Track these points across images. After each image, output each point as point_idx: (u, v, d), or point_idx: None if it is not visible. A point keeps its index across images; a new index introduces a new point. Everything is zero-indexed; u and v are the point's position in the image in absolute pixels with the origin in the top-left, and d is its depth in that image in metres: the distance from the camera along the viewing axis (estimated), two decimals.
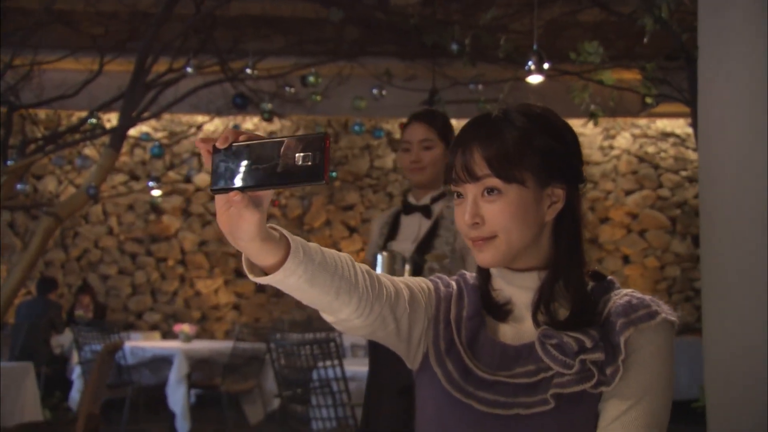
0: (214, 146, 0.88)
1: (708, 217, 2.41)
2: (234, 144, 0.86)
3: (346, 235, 8.49)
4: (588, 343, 1.09)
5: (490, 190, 1.12)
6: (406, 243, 2.44)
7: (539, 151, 1.13)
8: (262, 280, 0.97)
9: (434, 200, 2.49)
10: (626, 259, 8.49)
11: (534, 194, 1.13)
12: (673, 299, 8.35)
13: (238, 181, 0.85)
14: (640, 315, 1.11)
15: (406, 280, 1.19)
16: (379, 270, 2.16)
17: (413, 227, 2.46)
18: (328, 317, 1.07)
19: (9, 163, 5.60)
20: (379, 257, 2.29)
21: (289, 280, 0.96)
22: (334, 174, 8.32)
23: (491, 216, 1.12)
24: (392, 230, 2.52)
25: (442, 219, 2.46)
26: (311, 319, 8.19)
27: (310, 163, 0.82)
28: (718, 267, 2.35)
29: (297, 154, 0.82)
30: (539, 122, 1.15)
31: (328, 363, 4.31)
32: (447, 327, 1.19)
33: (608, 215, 8.48)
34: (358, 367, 4.66)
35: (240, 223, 0.89)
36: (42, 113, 7.65)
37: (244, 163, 0.85)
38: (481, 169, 1.12)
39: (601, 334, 1.10)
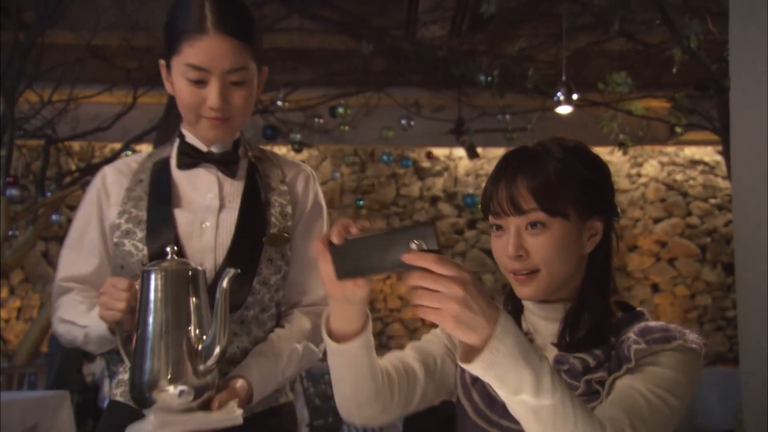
0: (329, 241, 0.97)
1: (743, 246, 2.41)
2: (348, 237, 0.95)
3: None
4: (591, 363, 1.10)
5: (534, 224, 1.14)
6: (195, 214, 1.44)
7: (581, 183, 1.15)
8: (327, 342, 1.06)
9: (237, 146, 1.51)
10: (655, 288, 8.41)
11: (576, 227, 1.15)
12: (705, 328, 8.23)
13: (362, 270, 0.95)
14: (656, 337, 1.10)
15: (422, 345, 1.24)
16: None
17: (205, 189, 1.47)
18: (349, 412, 1.14)
19: (48, 194, 5.73)
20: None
21: (349, 352, 1.05)
22: (361, 203, 8.37)
23: (535, 249, 1.14)
24: (157, 193, 1.46)
25: (266, 178, 1.51)
26: None
27: (425, 248, 0.89)
28: (753, 297, 2.34)
29: (412, 243, 0.90)
30: (577, 154, 1.18)
31: None
32: None
33: (636, 243, 8.42)
34: None
35: (351, 302, 1.02)
36: (76, 145, 7.81)
37: (362, 252, 0.94)
38: (527, 202, 1.14)
39: (608, 354, 1.11)
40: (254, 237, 1.44)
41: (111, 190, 1.48)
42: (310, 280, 1.51)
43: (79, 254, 1.47)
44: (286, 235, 1.47)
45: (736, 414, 4.64)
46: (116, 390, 1.44)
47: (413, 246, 0.89)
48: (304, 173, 1.57)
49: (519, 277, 1.16)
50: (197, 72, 1.34)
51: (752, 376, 2.31)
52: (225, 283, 1.19)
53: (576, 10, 5.03)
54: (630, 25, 4.76)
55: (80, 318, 1.37)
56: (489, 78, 5.45)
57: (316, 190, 1.57)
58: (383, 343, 8.36)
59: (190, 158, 1.46)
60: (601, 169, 1.20)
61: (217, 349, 1.17)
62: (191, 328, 1.18)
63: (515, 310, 1.24)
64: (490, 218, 1.19)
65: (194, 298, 1.20)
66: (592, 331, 1.14)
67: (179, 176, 1.47)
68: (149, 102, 6.40)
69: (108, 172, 1.51)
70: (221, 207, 1.45)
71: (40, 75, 5.83)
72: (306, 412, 5.18)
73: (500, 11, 5.00)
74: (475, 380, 1.20)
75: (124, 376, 1.42)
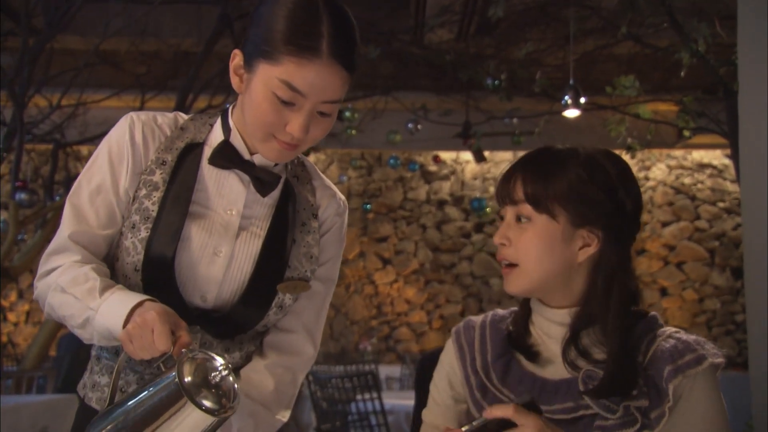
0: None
1: (752, 249, 2.40)
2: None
3: (379, 267, 8.52)
4: (632, 391, 1.11)
5: (520, 216, 1.18)
6: (210, 234, 1.27)
7: (575, 189, 1.15)
8: None
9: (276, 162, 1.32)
10: (664, 292, 8.38)
11: (563, 231, 1.15)
12: (713, 333, 8.19)
13: None
14: (687, 361, 1.12)
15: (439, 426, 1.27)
16: None
17: (230, 201, 1.30)
18: None
19: (56, 198, 5.76)
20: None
21: None
22: (368, 206, 8.38)
23: (517, 240, 1.17)
24: (176, 192, 1.27)
25: (298, 205, 1.35)
26: (345, 351, 8.20)
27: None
28: (762, 300, 2.33)
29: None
30: (594, 169, 1.16)
31: (367, 396, 4.31)
32: (476, 376, 1.24)
33: (645, 247, 8.40)
34: (395, 401, 4.65)
35: None
36: (84, 149, 7.85)
37: None
38: (517, 193, 1.18)
39: (644, 378, 1.12)
40: (270, 281, 1.29)
41: (137, 153, 1.27)
42: (315, 330, 1.38)
43: (95, 211, 1.26)
44: (306, 281, 1.32)
45: (746, 418, 4.62)
46: (91, 394, 1.32)
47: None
48: (338, 205, 1.40)
49: (504, 269, 1.20)
50: (292, 94, 1.16)
51: (761, 380, 2.30)
52: None
53: (584, 14, 5.03)
54: (638, 28, 4.76)
55: (89, 298, 1.16)
56: (496, 82, 5.46)
57: (345, 228, 1.41)
58: (390, 347, 8.36)
59: (226, 161, 1.27)
60: (613, 191, 1.17)
61: None
62: None
63: (524, 314, 1.25)
64: (500, 209, 1.23)
65: None
66: (618, 375, 1.12)
67: (207, 173, 1.28)
68: (157, 107, 6.42)
69: (137, 127, 1.28)
70: (240, 228, 1.28)
71: (49, 80, 5.87)
72: (313, 416, 5.18)
73: (507, 15, 5.00)
74: (486, 392, 1.21)
75: (101, 378, 1.31)
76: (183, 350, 1.07)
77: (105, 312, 1.14)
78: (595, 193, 1.15)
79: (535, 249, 1.15)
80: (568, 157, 1.18)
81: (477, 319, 1.31)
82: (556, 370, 1.19)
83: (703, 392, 1.11)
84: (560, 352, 1.18)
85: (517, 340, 1.23)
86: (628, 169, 1.21)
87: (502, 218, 1.22)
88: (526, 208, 1.16)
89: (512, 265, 1.18)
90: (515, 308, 1.28)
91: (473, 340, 1.27)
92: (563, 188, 1.15)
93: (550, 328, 1.21)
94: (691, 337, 1.15)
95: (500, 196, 1.21)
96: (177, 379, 1.04)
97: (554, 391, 1.16)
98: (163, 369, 1.08)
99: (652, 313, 1.21)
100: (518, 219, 1.18)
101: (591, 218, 1.16)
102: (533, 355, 1.21)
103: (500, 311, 1.31)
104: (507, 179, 1.19)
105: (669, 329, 1.18)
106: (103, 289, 1.17)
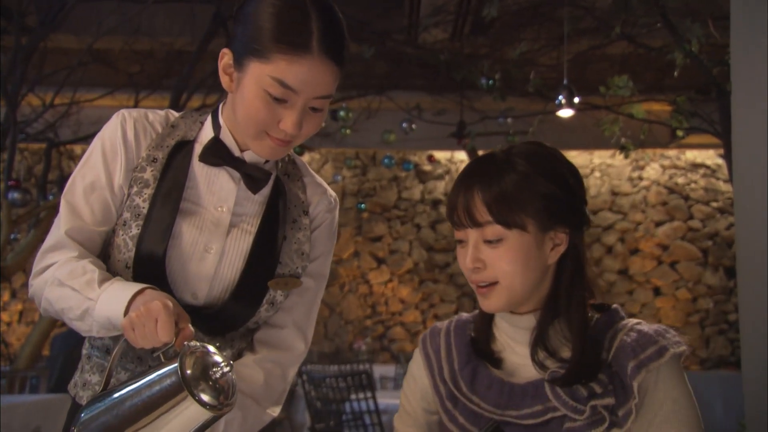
0: None
1: (744, 249, 2.41)
2: None
3: (374, 266, 8.52)
4: (597, 389, 1.10)
5: (492, 237, 1.14)
6: (201, 231, 1.27)
7: (540, 197, 1.13)
8: None
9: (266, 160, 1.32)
10: (657, 291, 8.40)
11: (535, 239, 1.14)
12: (706, 332, 8.22)
13: None
14: (649, 354, 1.11)
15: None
16: None
17: (221, 198, 1.30)
18: None
19: (50, 197, 5.74)
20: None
21: None
22: (362, 206, 8.38)
23: (492, 261, 1.14)
24: (167, 189, 1.27)
25: (289, 203, 1.35)
26: (339, 351, 8.19)
27: None
28: (755, 300, 2.34)
29: None
30: (542, 166, 1.16)
31: (361, 395, 4.31)
32: (445, 385, 1.23)
33: (638, 246, 8.42)
34: (389, 400, 4.66)
35: None
36: (78, 149, 7.83)
37: None
38: (483, 215, 1.13)
39: (609, 374, 1.12)
40: (261, 278, 1.29)
41: (129, 149, 1.27)
42: (306, 326, 1.37)
43: (90, 208, 1.26)
44: (297, 278, 1.32)
45: (739, 418, 4.64)
46: (82, 393, 1.32)
47: None
48: (329, 202, 1.40)
49: (480, 290, 1.17)
50: (284, 91, 1.16)
51: (754, 379, 2.31)
52: None
53: (577, 14, 5.05)
54: (631, 28, 4.78)
55: (88, 289, 1.16)
56: (490, 81, 5.47)
57: (336, 224, 1.42)
58: (384, 347, 8.37)
59: (217, 158, 1.27)
60: (567, 181, 1.17)
61: None
62: None
63: (488, 320, 1.24)
64: (455, 231, 1.19)
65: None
66: (582, 357, 1.12)
67: (198, 170, 1.29)
68: (151, 106, 6.40)
69: (129, 124, 1.29)
70: (231, 225, 1.28)
71: (43, 79, 5.85)
72: (307, 415, 5.18)
73: (501, 15, 5.01)
74: (456, 402, 1.21)
75: (92, 377, 1.31)
76: (185, 343, 1.06)
77: (105, 301, 1.14)
78: (553, 192, 1.14)
79: (513, 265, 1.13)
80: (515, 163, 1.15)
81: (442, 325, 1.30)
82: (523, 373, 1.18)
83: (666, 383, 1.11)
84: (527, 354, 1.18)
85: (480, 347, 1.22)
86: (558, 152, 1.20)
87: (460, 241, 1.18)
88: (495, 229, 1.13)
89: (490, 284, 1.15)
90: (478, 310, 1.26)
91: (439, 348, 1.26)
92: (528, 198, 1.13)
93: (516, 333, 1.20)
94: (652, 328, 1.14)
95: (459, 221, 1.16)
96: (179, 372, 1.03)
97: (522, 395, 1.15)
98: (163, 360, 1.07)
99: (614, 305, 1.20)
100: (487, 240, 1.14)
101: (556, 219, 1.15)
102: (498, 362, 1.20)
103: (464, 315, 1.30)
104: (464, 203, 1.14)
105: (631, 321, 1.17)
106: (102, 280, 1.17)
